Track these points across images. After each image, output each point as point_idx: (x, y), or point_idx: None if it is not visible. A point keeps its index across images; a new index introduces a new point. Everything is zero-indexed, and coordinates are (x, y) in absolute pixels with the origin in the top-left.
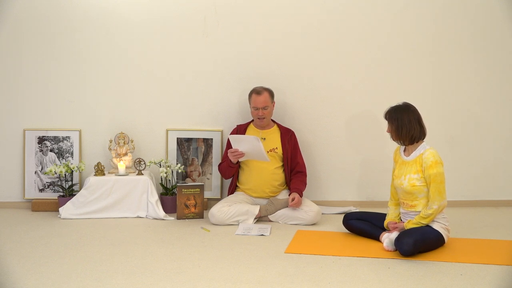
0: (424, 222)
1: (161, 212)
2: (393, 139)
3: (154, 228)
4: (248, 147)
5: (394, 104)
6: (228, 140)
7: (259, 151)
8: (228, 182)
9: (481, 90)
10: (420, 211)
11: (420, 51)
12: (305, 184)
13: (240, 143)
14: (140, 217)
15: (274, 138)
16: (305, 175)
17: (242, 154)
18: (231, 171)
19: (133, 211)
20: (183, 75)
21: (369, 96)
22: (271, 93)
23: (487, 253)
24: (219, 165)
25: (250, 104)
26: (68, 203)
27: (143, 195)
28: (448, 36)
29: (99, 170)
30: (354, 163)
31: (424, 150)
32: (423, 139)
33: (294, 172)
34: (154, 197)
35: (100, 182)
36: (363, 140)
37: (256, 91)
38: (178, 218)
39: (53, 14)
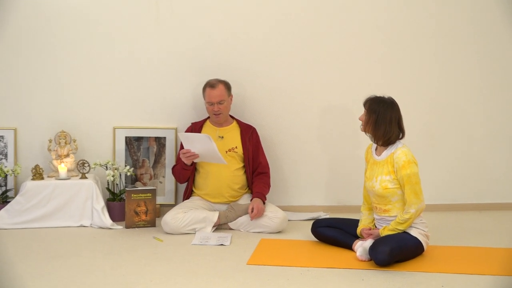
0: (401, 228)
1: (107, 221)
2: (364, 130)
3: (100, 239)
4: (201, 147)
5: (378, 95)
6: None
7: (213, 152)
8: (183, 186)
9: (464, 84)
10: (394, 217)
11: (398, 42)
12: (269, 186)
13: (191, 142)
14: (84, 226)
15: (233, 136)
16: (269, 176)
17: (195, 155)
18: (186, 174)
19: (76, 220)
20: (132, 67)
21: (341, 90)
22: (227, 86)
23: (470, 262)
24: (173, 168)
25: (204, 99)
26: (2, 211)
27: (87, 201)
28: (429, 26)
29: (37, 174)
30: (323, 164)
31: (396, 149)
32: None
33: (256, 173)
34: (100, 204)
35: (38, 187)
36: (334, 138)
37: (209, 85)
38: (127, 226)
39: None
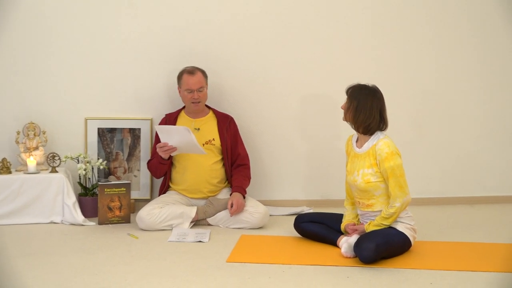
0: (386, 223)
1: (79, 217)
2: (345, 119)
3: (71, 236)
4: (179, 140)
5: (362, 82)
6: (157, 133)
7: (192, 144)
8: (159, 180)
9: (453, 73)
10: (378, 212)
11: (383, 28)
12: (249, 178)
13: (169, 135)
14: (55, 223)
15: (209, 127)
16: (248, 168)
17: (173, 149)
18: (163, 168)
19: (46, 216)
20: (104, 55)
21: (323, 78)
22: (204, 74)
23: (460, 258)
24: (148, 162)
25: (180, 87)
26: None
27: (58, 196)
28: (418, 12)
29: (4, 168)
30: (306, 156)
31: (378, 140)
32: (381, 131)
33: (235, 165)
34: (71, 199)
35: (6, 181)
36: (316, 129)
37: (187, 71)
38: (100, 223)
39: None
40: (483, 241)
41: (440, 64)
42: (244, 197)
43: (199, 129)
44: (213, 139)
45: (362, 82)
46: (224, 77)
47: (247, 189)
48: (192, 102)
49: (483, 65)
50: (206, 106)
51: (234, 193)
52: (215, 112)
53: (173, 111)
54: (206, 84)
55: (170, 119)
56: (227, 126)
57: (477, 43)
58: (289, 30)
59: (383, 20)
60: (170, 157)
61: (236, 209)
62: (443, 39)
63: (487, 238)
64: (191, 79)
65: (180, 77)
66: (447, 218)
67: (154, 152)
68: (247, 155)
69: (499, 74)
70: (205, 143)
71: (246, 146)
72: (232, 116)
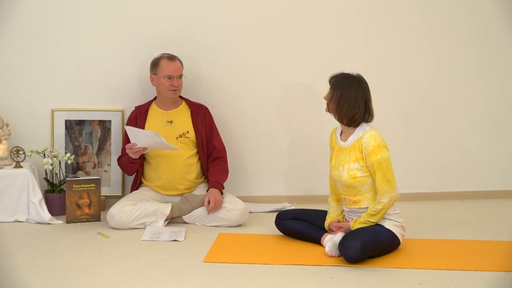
0: (373, 220)
1: (46, 215)
2: (328, 110)
3: (37, 235)
4: (149, 142)
5: (347, 71)
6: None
7: (163, 145)
8: (131, 176)
9: (443, 63)
10: (364, 209)
11: (370, 15)
12: (227, 172)
13: (137, 137)
14: (19, 222)
15: (183, 119)
16: (226, 161)
17: (143, 149)
18: (133, 167)
19: (10, 214)
20: (72, 41)
21: (305, 65)
22: (181, 62)
23: (451, 256)
24: (119, 159)
25: (156, 74)
26: None
27: (23, 193)
28: None
29: None
30: (287, 149)
31: (363, 132)
32: (367, 123)
33: (212, 158)
34: (37, 196)
35: None
36: (298, 120)
37: (167, 57)
38: (68, 221)
39: None
40: (475, 239)
41: (430, 53)
42: (221, 193)
43: (171, 121)
44: (187, 132)
45: (346, 71)
46: (200, 64)
47: (224, 184)
48: (171, 90)
49: (476, 55)
50: (179, 96)
51: (211, 189)
52: (188, 102)
53: (145, 102)
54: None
55: (140, 112)
56: (201, 116)
57: (469, 32)
58: (270, 16)
59: (369, 6)
60: (142, 156)
61: (214, 206)
62: (433, 26)
63: (479, 235)
64: (172, 65)
65: (156, 63)
66: (437, 215)
67: (124, 149)
68: (223, 147)
69: (492, 65)
70: (179, 136)
71: (224, 138)
72: (208, 107)
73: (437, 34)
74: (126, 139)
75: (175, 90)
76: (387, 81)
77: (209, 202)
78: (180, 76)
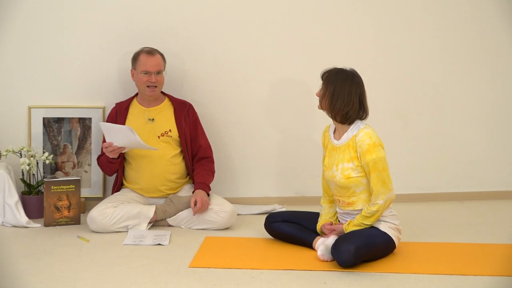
0: (368, 222)
1: (23, 218)
2: (321, 107)
3: (14, 239)
4: (124, 140)
5: (339, 66)
6: None
7: (138, 144)
8: (113, 176)
9: (440, 55)
10: (359, 211)
11: (361, 4)
12: (213, 173)
13: (113, 134)
14: None
15: (165, 116)
16: (212, 161)
17: (120, 148)
18: (113, 167)
19: None
20: (50, 35)
21: (296, 61)
22: (163, 58)
23: (449, 260)
24: (98, 158)
25: (135, 69)
26: None
27: None
28: None
29: None
30: (278, 148)
31: (358, 130)
32: (361, 120)
33: (197, 158)
34: (13, 198)
35: None
36: (289, 118)
37: (146, 51)
38: (46, 224)
39: None
40: (475, 242)
41: (427, 46)
42: (208, 195)
43: (153, 119)
44: (170, 130)
45: (339, 66)
46: (185, 60)
47: (211, 185)
48: (148, 86)
49: (476, 47)
50: (162, 93)
51: (197, 190)
52: (171, 99)
53: (127, 98)
54: (164, 69)
55: (121, 109)
56: (185, 114)
57: (468, 24)
58: (259, 9)
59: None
60: (121, 155)
61: (201, 207)
62: (431, 19)
63: (479, 238)
64: (150, 60)
65: (136, 58)
66: (435, 217)
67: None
68: (209, 146)
69: (493, 58)
70: (161, 135)
71: (210, 137)
72: (193, 104)
73: (435, 27)
74: (104, 138)
75: (153, 87)
76: (382, 76)
77: (195, 203)
78: (159, 72)
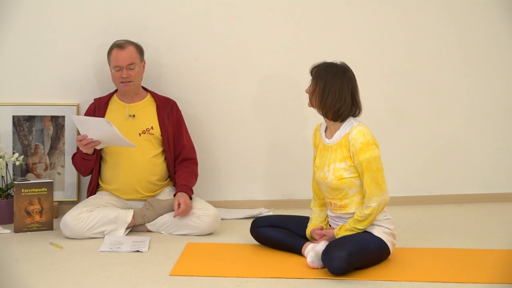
0: (361, 226)
1: None
2: (311, 104)
3: None
4: (101, 133)
5: (330, 61)
6: None
7: (117, 137)
8: (87, 178)
9: (438, 50)
10: (352, 214)
11: None
12: (196, 175)
13: (87, 127)
14: None
15: (147, 113)
16: (196, 163)
17: (95, 142)
18: (88, 164)
19: None
20: (19, 26)
21: (284, 55)
22: (139, 48)
23: (446, 267)
24: (73, 156)
25: (109, 64)
26: None
27: None
28: None
29: None
30: (264, 148)
31: (351, 128)
32: (354, 117)
33: (180, 159)
34: None
35: None
36: (277, 116)
37: (116, 45)
38: (17, 230)
39: None
40: (474, 247)
41: (423, 40)
42: (191, 198)
43: (134, 115)
44: (152, 127)
45: (329, 60)
46: (166, 54)
47: (194, 189)
48: (121, 82)
49: (475, 42)
50: (144, 88)
51: (179, 193)
52: (154, 96)
53: (104, 94)
54: (141, 60)
55: (100, 105)
56: (168, 111)
57: (466, 18)
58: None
59: None
60: (96, 151)
61: (185, 209)
62: (426, 12)
63: (478, 243)
64: (120, 54)
65: (109, 53)
66: (432, 220)
67: None
68: (193, 147)
69: (493, 53)
70: (142, 132)
71: (192, 136)
72: (176, 101)
73: (431, 21)
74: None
75: (126, 82)
76: (375, 71)
77: (179, 206)
78: (131, 66)
